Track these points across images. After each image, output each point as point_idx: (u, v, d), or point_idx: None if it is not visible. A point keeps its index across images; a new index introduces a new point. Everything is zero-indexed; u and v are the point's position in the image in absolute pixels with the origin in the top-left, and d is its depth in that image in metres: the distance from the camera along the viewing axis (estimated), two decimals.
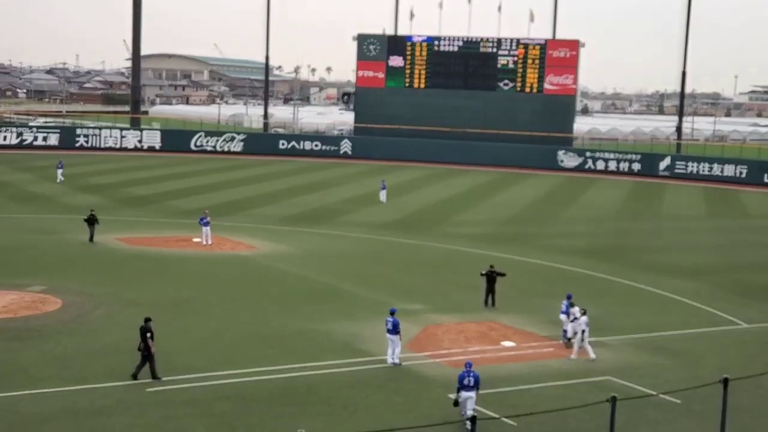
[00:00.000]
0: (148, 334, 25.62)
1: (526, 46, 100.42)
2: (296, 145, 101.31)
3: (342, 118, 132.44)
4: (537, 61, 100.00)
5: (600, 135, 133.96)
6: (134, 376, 25.49)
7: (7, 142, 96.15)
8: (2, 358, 27.29)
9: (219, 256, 45.35)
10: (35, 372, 26.12)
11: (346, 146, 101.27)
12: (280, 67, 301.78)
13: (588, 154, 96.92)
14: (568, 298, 31.19)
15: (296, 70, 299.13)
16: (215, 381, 25.85)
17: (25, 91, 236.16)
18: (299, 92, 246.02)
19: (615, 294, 39.79)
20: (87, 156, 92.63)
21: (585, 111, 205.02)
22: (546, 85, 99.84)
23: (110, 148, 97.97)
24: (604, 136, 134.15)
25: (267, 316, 33.58)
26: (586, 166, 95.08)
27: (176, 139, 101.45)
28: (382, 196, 67.75)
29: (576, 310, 29.97)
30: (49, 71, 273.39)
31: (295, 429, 15.29)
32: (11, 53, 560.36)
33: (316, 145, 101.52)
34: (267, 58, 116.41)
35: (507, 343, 30.92)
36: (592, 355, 29.08)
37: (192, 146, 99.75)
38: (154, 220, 55.53)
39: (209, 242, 47.46)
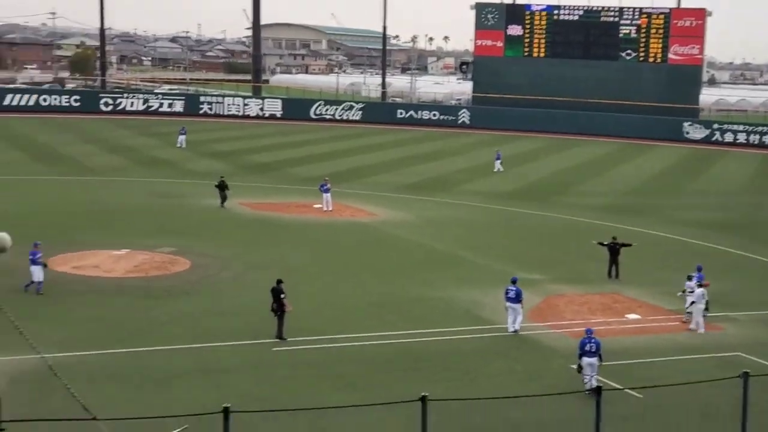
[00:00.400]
0: (282, 295, 26.12)
1: (649, 15, 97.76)
2: (414, 115, 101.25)
3: (460, 88, 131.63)
4: (661, 31, 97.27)
5: (728, 106, 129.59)
6: (279, 337, 25.99)
7: (133, 108, 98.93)
8: (135, 316, 28.26)
9: (339, 222, 45.81)
10: (166, 330, 26.96)
11: (464, 116, 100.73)
12: (397, 36, 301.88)
13: (715, 126, 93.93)
14: (698, 270, 30.37)
15: (413, 39, 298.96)
16: (337, 344, 26.21)
17: (149, 59, 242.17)
18: (417, 62, 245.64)
19: (745, 269, 38.57)
20: (210, 123, 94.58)
21: (712, 82, 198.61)
22: (670, 55, 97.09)
23: (233, 116, 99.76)
24: (733, 107, 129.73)
25: (387, 282, 33.77)
26: (714, 139, 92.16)
27: (296, 107, 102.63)
28: (497, 166, 67.24)
29: (692, 284, 29.27)
30: (173, 40, 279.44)
31: (417, 393, 15.30)
32: (136, 22, 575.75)
33: (434, 115, 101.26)
34: (384, 27, 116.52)
35: (632, 316, 30.36)
36: (692, 326, 28.49)
37: (312, 114, 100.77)
38: (276, 187, 56.38)
39: (330, 209, 47.96)
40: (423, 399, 15.22)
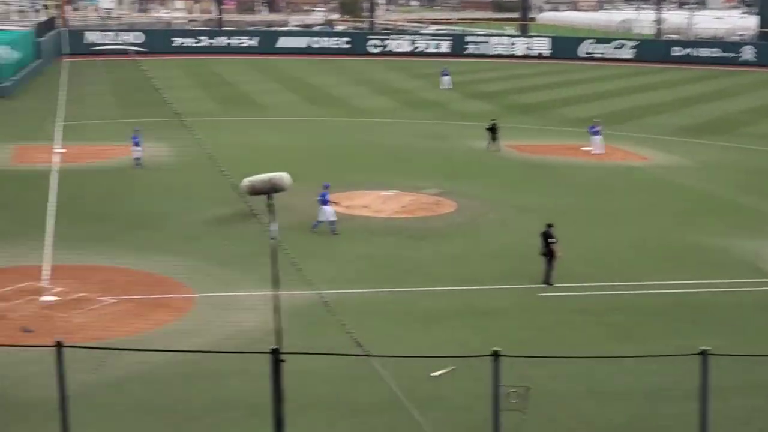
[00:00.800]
0: (551, 240, 25.54)
1: None
2: (691, 52, 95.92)
3: (743, 23, 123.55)
4: None
5: None
6: (546, 282, 25.52)
7: (401, 49, 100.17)
8: (402, 255, 28.64)
9: (609, 166, 44.33)
10: (432, 270, 27.10)
11: (747, 53, 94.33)
12: None
13: None
14: None
15: None
16: (607, 291, 25.36)
17: None
18: None
19: None
20: (476, 63, 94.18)
21: None
22: None
23: (499, 56, 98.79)
24: None
25: (661, 228, 32.27)
26: None
27: (565, 46, 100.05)
28: None
29: None
30: None
31: (693, 346, 14.36)
32: None
33: (713, 52, 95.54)
34: None
35: None
36: None
37: (580, 53, 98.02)
38: (543, 128, 55.35)
39: (599, 151, 46.45)
40: (704, 353, 14.25)
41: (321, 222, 30.50)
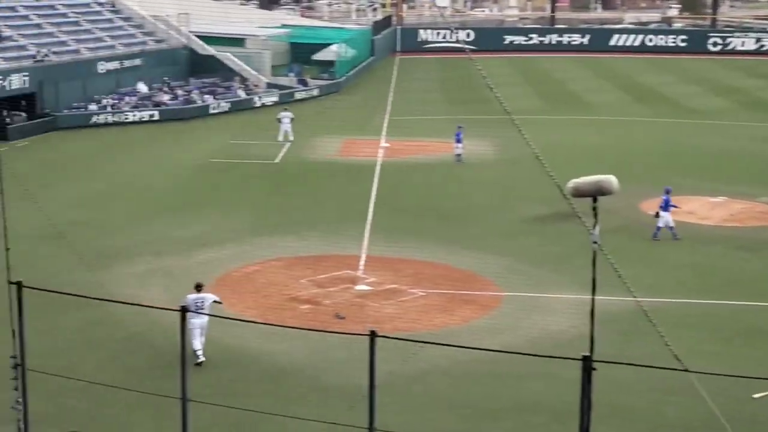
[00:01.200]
0: None
1: None
2: None
3: None
4: None
5: None
6: None
7: (745, 47, 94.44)
8: (729, 266, 26.99)
9: None
10: (762, 284, 25.23)
11: None
12: None
13: None
14: None
15: None
16: None
17: None
18: None
19: None
20: None
21: None
22: None
23: None
24: None
25: None
26: None
27: None
28: None
29: None
30: None
31: None
32: None
33: None
34: None
35: None
36: None
37: None
38: None
39: None
40: None
41: (660, 228, 29.16)
